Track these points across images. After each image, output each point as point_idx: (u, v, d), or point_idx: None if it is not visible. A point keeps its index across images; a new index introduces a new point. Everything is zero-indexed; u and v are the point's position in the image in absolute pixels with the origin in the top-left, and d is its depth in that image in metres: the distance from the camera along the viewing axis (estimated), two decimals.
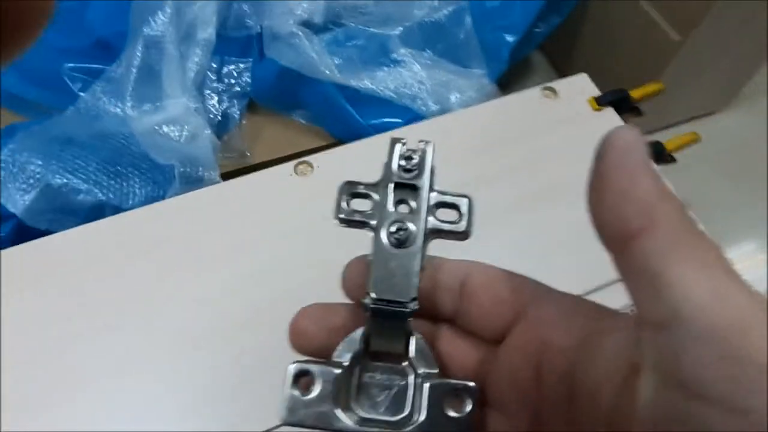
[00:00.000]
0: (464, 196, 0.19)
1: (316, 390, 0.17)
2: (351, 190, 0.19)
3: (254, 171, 0.68)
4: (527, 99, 0.63)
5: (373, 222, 0.18)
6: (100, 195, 0.51)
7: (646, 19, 0.87)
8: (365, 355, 0.18)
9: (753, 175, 1.05)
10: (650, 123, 1.04)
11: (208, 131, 0.60)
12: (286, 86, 0.68)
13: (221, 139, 0.67)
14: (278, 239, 0.52)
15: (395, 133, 0.63)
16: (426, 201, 0.18)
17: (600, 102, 0.62)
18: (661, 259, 0.13)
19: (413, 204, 0.18)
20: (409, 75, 0.63)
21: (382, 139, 0.60)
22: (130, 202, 0.53)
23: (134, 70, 0.60)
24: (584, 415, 0.15)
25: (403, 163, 0.18)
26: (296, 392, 0.17)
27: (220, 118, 0.66)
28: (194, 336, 0.45)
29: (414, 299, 0.17)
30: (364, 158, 0.59)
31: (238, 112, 0.67)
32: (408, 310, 0.17)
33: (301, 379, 0.17)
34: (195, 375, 0.43)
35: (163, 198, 0.55)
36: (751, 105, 1.10)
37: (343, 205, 0.18)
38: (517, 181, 0.56)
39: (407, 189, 0.18)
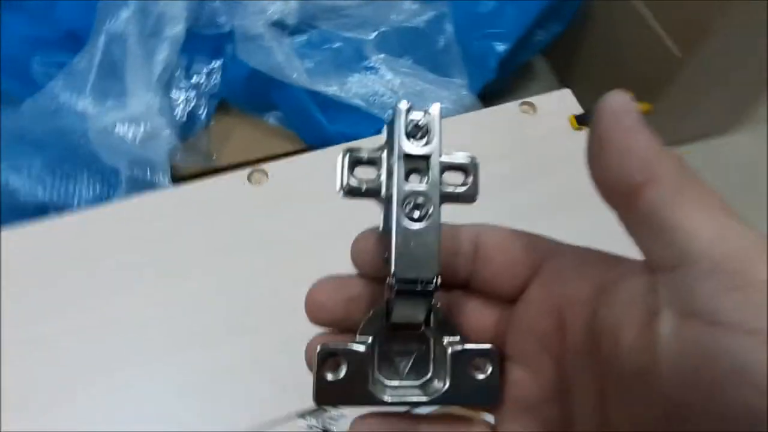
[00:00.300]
0: (470, 156, 0.18)
1: (343, 370, 0.17)
2: (354, 158, 0.17)
3: (220, 173, 0.66)
4: (504, 114, 0.60)
5: (382, 193, 0.17)
6: (41, 196, 0.49)
7: (650, 34, 0.83)
8: (385, 328, 0.18)
9: (760, 199, 1.00)
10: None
11: (167, 132, 0.58)
12: (258, 88, 0.66)
13: (187, 139, 0.65)
14: (227, 249, 0.50)
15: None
16: (439, 172, 0.17)
17: (581, 121, 0.58)
18: (666, 206, 0.14)
19: (424, 173, 0.17)
20: (381, 83, 0.60)
21: (340, 150, 0.58)
22: (75, 204, 0.51)
23: (95, 66, 0.58)
24: (607, 360, 0.16)
25: (412, 130, 0.17)
26: (326, 375, 0.17)
27: (185, 118, 0.64)
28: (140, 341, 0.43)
29: (438, 275, 0.17)
30: (321, 169, 0.56)
31: (205, 113, 0.65)
32: (432, 287, 0.17)
33: (328, 361, 0.17)
34: (146, 377, 0.41)
35: (110, 199, 0.53)
36: (762, 127, 1.05)
37: (347, 175, 0.17)
38: (486, 202, 0.53)
39: (416, 157, 0.17)
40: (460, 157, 0.18)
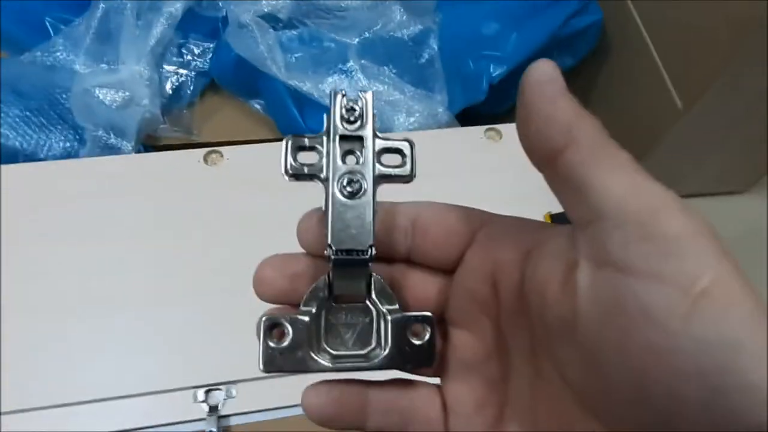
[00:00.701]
0: (406, 140, 0.19)
1: (288, 338, 0.18)
2: (296, 143, 0.19)
3: (199, 148, 0.69)
4: (468, 136, 0.60)
5: (323, 174, 0.19)
6: (12, 141, 0.53)
7: (658, 81, 0.81)
8: (329, 300, 0.19)
9: (761, 264, 0.97)
10: None
11: (146, 101, 0.61)
12: (246, 74, 0.68)
13: (171, 113, 0.69)
14: (168, 221, 0.52)
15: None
16: (372, 151, 0.19)
17: None
18: (583, 167, 0.15)
19: (360, 154, 0.19)
20: (355, 87, 0.61)
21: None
22: (43, 154, 0.55)
23: (92, 30, 0.62)
24: (536, 315, 0.17)
25: (345, 114, 0.19)
26: (271, 343, 0.18)
27: (171, 92, 0.67)
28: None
29: (371, 246, 0.18)
30: (276, 158, 0.58)
31: (192, 89, 0.68)
32: (367, 256, 0.18)
33: (274, 330, 0.19)
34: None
35: (75, 156, 0.56)
36: (763, 192, 1.00)
37: (290, 159, 0.19)
38: None
39: (353, 139, 0.19)
40: (396, 140, 0.19)
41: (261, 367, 0.18)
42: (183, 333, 0.46)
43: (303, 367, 0.18)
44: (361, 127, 0.19)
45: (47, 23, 0.70)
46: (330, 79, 0.63)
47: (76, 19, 0.67)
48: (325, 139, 0.19)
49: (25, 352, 0.43)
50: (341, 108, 0.18)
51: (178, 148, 0.72)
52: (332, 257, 0.18)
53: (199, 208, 0.53)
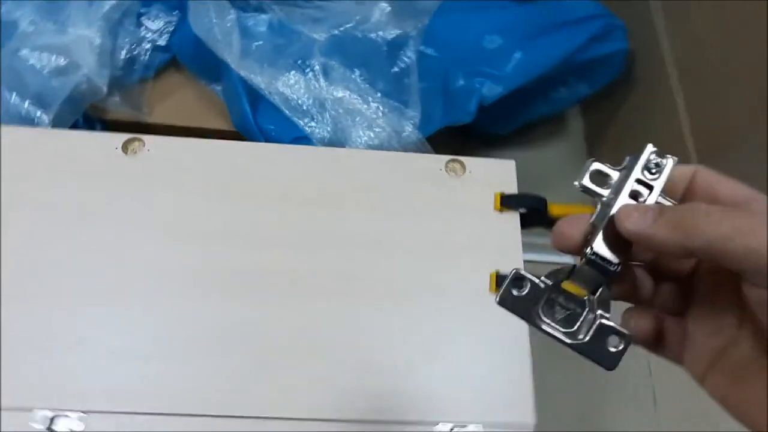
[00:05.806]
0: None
1: (525, 290, 0.22)
2: (596, 168, 0.23)
3: (148, 130, 0.64)
4: (425, 165, 0.52)
5: (605, 197, 0.22)
6: None
7: (676, 128, 0.71)
8: (562, 281, 0.23)
9: None
10: None
11: (86, 70, 0.56)
12: (207, 54, 0.62)
13: (123, 87, 0.63)
14: (64, 210, 0.47)
15: None
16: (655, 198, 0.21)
17: (504, 202, 0.50)
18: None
19: (647, 195, 0.21)
20: (313, 89, 0.54)
21: (222, 147, 0.52)
22: None
23: None
24: None
25: (650, 166, 0.22)
26: (513, 290, 0.22)
27: (122, 64, 0.61)
28: None
29: (619, 264, 0.21)
30: (199, 159, 0.52)
31: (146, 64, 0.62)
32: (612, 270, 0.21)
33: (517, 281, 0.22)
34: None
35: None
36: None
37: (587, 177, 0.22)
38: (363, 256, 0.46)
39: (643, 186, 0.22)
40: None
41: (497, 300, 0.22)
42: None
43: (526, 315, 0.22)
44: (655, 180, 0.21)
45: None
46: (286, 76, 0.56)
47: None
48: (619, 175, 0.22)
49: None
50: (647, 160, 0.22)
51: (126, 125, 0.67)
52: (588, 256, 0.21)
53: (101, 199, 0.47)
